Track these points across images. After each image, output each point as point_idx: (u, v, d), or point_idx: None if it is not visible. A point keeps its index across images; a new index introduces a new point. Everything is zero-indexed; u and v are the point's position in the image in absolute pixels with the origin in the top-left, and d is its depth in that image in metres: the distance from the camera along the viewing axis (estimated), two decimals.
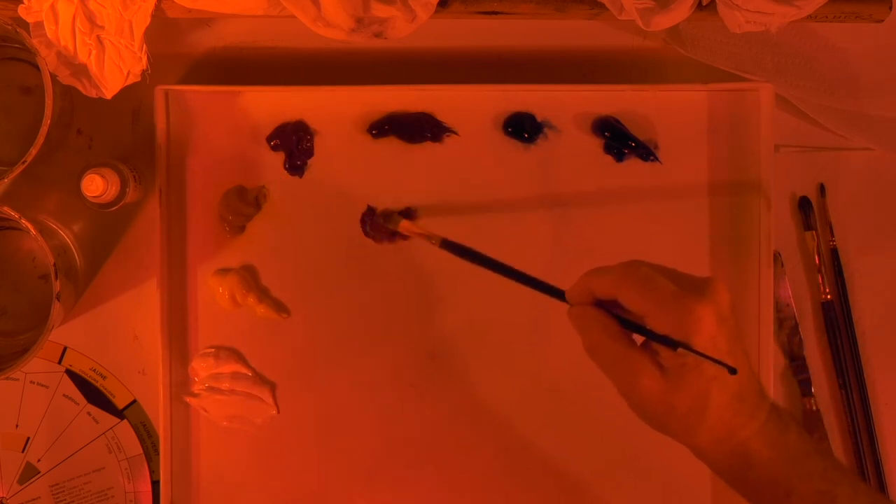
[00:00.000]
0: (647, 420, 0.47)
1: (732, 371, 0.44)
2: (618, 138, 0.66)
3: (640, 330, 0.46)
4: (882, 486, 0.68)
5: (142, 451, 0.68)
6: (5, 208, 0.59)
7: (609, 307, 0.48)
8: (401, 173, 0.66)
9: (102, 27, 0.59)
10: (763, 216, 0.65)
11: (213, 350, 0.66)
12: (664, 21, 0.58)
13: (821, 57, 0.68)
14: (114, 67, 0.60)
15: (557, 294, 0.51)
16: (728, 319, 0.46)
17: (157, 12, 0.60)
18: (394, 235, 0.66)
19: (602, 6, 0.60)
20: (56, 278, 0.58)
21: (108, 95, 0.61)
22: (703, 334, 0.44)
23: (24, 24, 0.59)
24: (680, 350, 0.44)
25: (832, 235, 0.69)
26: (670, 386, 0.45)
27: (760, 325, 0.65)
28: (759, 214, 0.66)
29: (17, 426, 0.67)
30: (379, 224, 0.65)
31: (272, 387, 0.67)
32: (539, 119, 0.66)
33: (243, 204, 0.66)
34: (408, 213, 0.66)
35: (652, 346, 0.46)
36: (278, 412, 0.67)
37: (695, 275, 0.48)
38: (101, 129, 0.68)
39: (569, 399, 0.67)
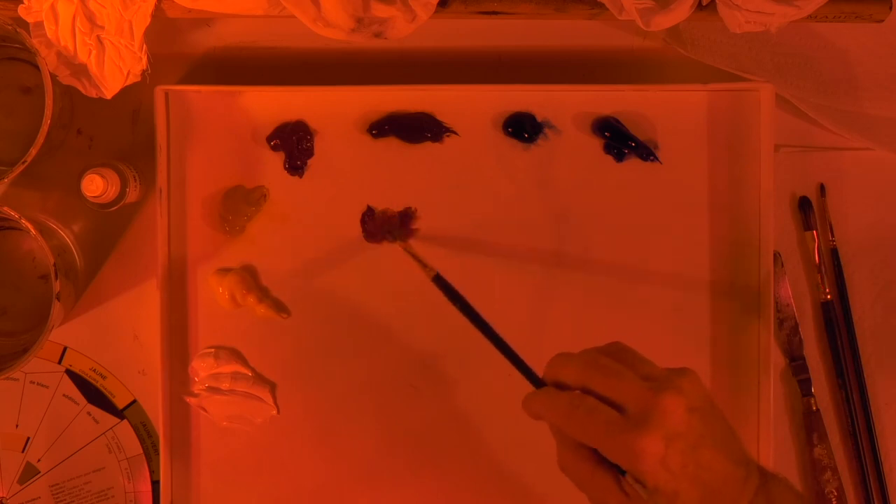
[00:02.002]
0: None
1: None
2: (618, 138, 0.66)
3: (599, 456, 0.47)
4: (882, 486, 0.68)
5: (142, 451, 0.68)
6: (5, 208, 0.59)
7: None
8: (401, 173, 0.66)
9: (102, 27, 0.59)
10: (763, 216, 0.65)
11: (213, 350, 0.66)
12: (664, 21, 0.58)
13: (821, 57, 0.68)
14: (114, 67, 0.60)
15: (535, 381, 0.52)
16: (681, 435, 0.45)
17: (157, 12, 0.60)
18: (394, 236, 0.66)
19: (602, 6, 0.60)
20: (56, 278, 0.58)
21: (108, 95, 0.61)
22: (648, 462, 0.44)
23: (24, 24, 0.59)
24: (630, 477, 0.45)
25: (832, 235, 0.69)
26: None
27: (760, 325, 0.65)
28: (759, 214, 0.66)
29: (17, 426, 0.67)
30: (380, 224, 0.65)
31: (272, 387, 0.67)
32: (539, 119, 0.66)
33: (243, 204, 0.66)
34: (407, 215, 0.66)
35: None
36: (278, 412, 0.67)
37: (659, 374, 0.47)
38: (101, 129, 0.68)
39: None
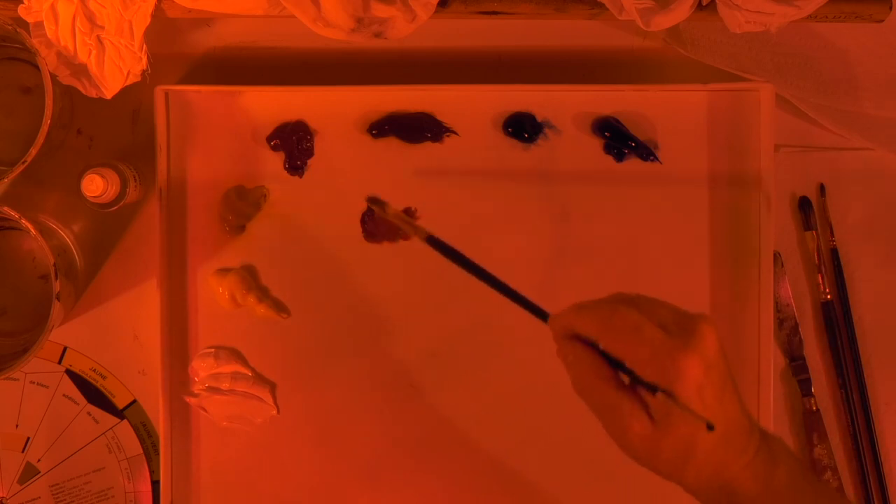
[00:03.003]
0: (634, 458, 0.47)
1: (710, 427, 0.43)
2: (618, 138, 0.66)
3: (627, 371, 0.46)
4: (882, 486, 0.68)
5: (142, 451, 0.68)
6: (5, 208, 0.59)
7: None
8: (401, 173, 0.66)
9: (102, 27, 0.59)
10: (763, 216, 0.65)
11: (213, 350, 0.66)
12: (664, 21, 0.58)
13: (821, 57, 0.68)
14: (114, 67, 0.60)
15: (540, 314, 0.50)
16: (715, 366, 0.45)
17: (157, 12, 0.60)
18: (395, 235, 0.66)
19: (602, 6, 0.60)
20: (56, 278, 0.58)
21: (108, 95, 0.61)
22: (689, 385, 0.44)
23: (24, 24, 0.59)
24: (662, 396, 0.44)
25: (832, 235, 0.69)
26: (657, 432, 0.45)
27: (760, 325, 0.65)
28: (759, 214, 0.66)
29: (17, 426, 0.67)
30: (380, 228, 0.65)
31: (272, 387, 0.67)
32: (539, 119, 0.66)
33: (243, 204, 0.66)
34: (407, 215, 0.66)
35: (639, 389, 0.46)
36: (278, 412, 0.67)
37: (684, 312, 0.47)
38: (101, 129, 0.68)
39: (569, 398, 0.66)
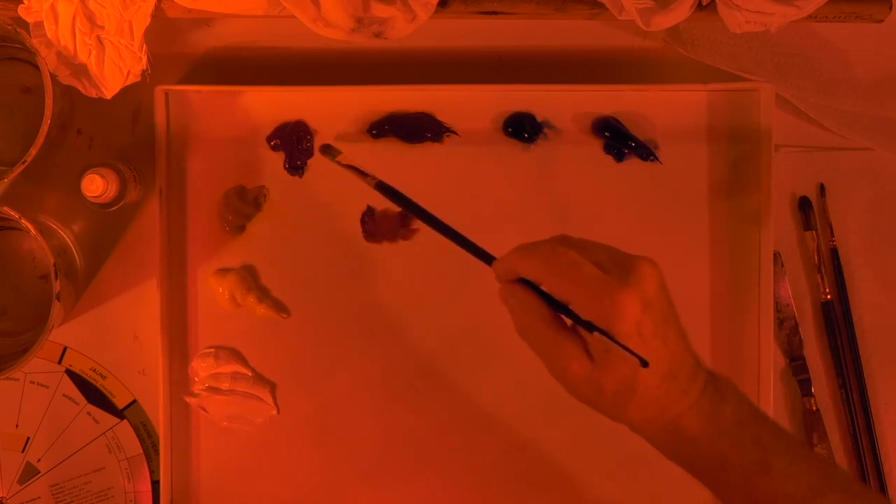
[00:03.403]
0: (578, 398, 0.47)
1: (644, 364, 0.43)
2: (618, 138, 0.66)
3: (566, 312, 0.46)
4: (882, 487, 0.68)
5: (142, 451, 0.68)
6: (5, 208, 0.59)
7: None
8: (401, 173, 0.66)
9: (102, 27, 0.59)
10: (763, 216, 0.65)
11: (213, 350, 0.66)
12: (664, 21, 0.58)
13: (821, 57, 0.68)
14: (114, 67, 0.60)
15: (486, 258, 0.50)
16: (655, 303, 0.45)
17: (157, 12, 0.60)
18: (395, 235, 0.66)
19: (602, 6, 0.60)
20: (56, 278, 0.58)
21: (108, 95, 0.61)
22: (626, 322, 0.44)
23: (24, 24, 0.59)
24: (599, 335, 0.44)
25: (832, 235, 0.69)
26: (597, 370, 0.45)
27: (760, 325, 0.65)
28: (759, 214, 0.66)
29: (17, 426, 0.67)
30: (380, 228, 0.65)
31: (272, 387, 0.67)
32: (539, 119, 0.66)
33: (243, 204, 0.66)
34: (407, 215, 0.66)
35: (579, 329, 0.46)
36: (278, 412, 0.67)
37: (625, 253, 0.47)
38: (101, 129, 0.68)
39: (569, 398, 0.66)
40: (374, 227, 0.66)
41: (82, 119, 0.67)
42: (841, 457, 0.68)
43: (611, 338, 0.44)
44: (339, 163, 0.60)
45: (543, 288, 0.46)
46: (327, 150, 0.62)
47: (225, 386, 0.66)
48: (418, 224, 0.66)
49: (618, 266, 0.45)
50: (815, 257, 0.68)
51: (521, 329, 0.48)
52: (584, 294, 0.44)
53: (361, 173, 0.57)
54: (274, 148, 0.66)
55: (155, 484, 0.67)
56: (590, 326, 0.44)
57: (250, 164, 0.66)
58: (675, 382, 0.46)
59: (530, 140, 0.66)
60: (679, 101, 0.66)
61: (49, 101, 0.58)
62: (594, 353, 0.45)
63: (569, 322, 0.46)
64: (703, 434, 0.46)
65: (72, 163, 0.66)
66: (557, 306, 0.46)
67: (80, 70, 0.60)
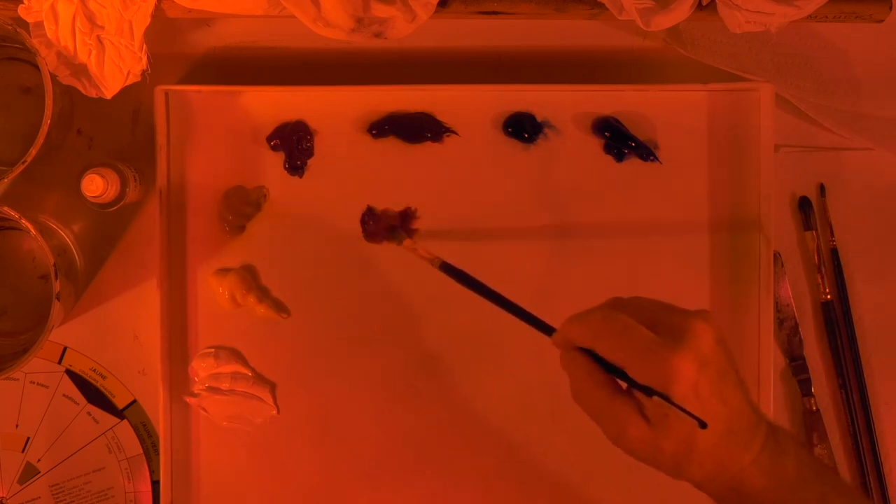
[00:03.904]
0: (636, 459, 0.47)
1: (703, 425, 0.43)
2: (618, 138, 0.66)
3: (622, 376, 0.46)
4: (882, 486, 0.68)
5: (142, 451, 0.68)
6: (5, 208, 0.59)
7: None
8: (401, 173, 0.66)
9: (102, 27, 0.59)
10: (763, 216, 0.65)
11: (213, 350, 0.66)
12: (664, 21, 0.58)
13: (821, 57, 0.68)
14: (114, 67, 0.60)
15: (546, 330, 0.51)
16: (711, 361, 0.45)
17: (157, 12, 0.60)
18: (392, 237, 0.66)
19: (602, 6, 0.60)
20: (56, 278, 0.58)
21: (108, 95, 0.61)
22: (682, 384, 0.44)
23: (24, 24, 0.59)
24: (657, 399, 0.44)
25: (832, 235, 0.69)
26: (655, 433, 0.45)
27: (760, 325, 0.65)
28: (759, 214, 0.66)
29: (17, 426, 0.67)
30: (380, 228, 0.65)
31: (272, 387, 0.67)
32: (539, 119, 0.66)
33: (243, 204, 0.66)
34: (407, 215, 0.66)
35: (635, 392, 0.46)
36: (278, 412, 0.67)
37: (680, 310, 0.47)
38: (101, 129, 0.68)
39: (568, 399, 0.66)
40: (374, 227, 0.66)
41: (82, 119, 0.67)
42: (841, 457, 0.68)
43: (669, 400, 0.44)
44: (406, 247, 0.62)
45: (597, 352, 0.47)
46: (394, 234, 0.65)
47: (225, 386, 0.66)
48: (418, 224, 0.66)
49: (672, 326, 0.46)
50: (815, 257, 0.68)
51: (578, 395, 0.48)
52: (639, 359, 0.45)
53: (428, 258, 0.59)
54: (274, 148, 0.66)
55: (155, 484, 0.67)
56: (647, 391, 0.44)
57: (250, 164, 0.66)
58: (734, 438, 0.46)
59: (530, 140, 0.66)
60: (679, 101, 0.66)
61: (49, 101, 0.58)
62: (651, 415, 0.45)
63: (624, 385, 0.47)
64: (766, 489, 0.46)
65: (72, 163, 0.66)
66: (614, 371, 0.47)
67: (80, 70, 0.60)
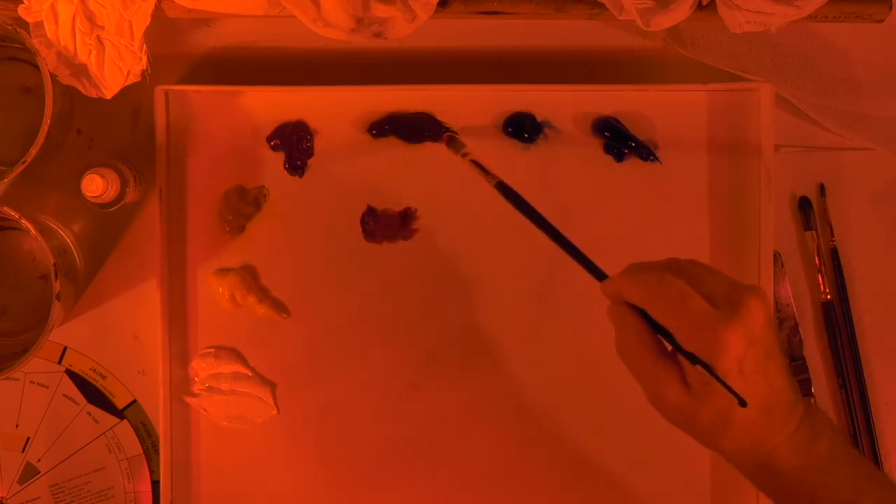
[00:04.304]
0: (671, 423, 0.47)
1: (743, 403, 0.43)
2: (618, 138, 0.66)
3: (669, 339, 0.46)
4: None
5: (142, 451, 0.68)
6: (5, 208, 0.59)
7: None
8: (401, 173, 0.66)
9: (102, 27, 0.59)
10: (763, 216, 0.65)
11: (213, 350, 0.66)
12: (664, 21, 0.58)
13: (821, 57, 0.68)
14: (114, 67, 0.60)
15: (598, 274, 0.50)
16: (759, 339, 0.45)
17: (157, 12, 0.60)
18: (395, 236, 0.66)
19: (602, 6, 0.60)
20: (56, 278, 0.58)
21: (108, 95, 0.61)
22: (729, 358, 0.44)
23: (24, 24, 0.59)
24: (700, 368, 0.44)
25: (832, 235, 0.69)
26: (694, 401, 0.45)
27: None
28: (759, 214, 0.66)
29: (17, 426, 0.67)
30: (381, 225, 0.65)
31: (272, 387, 0.67)
32: (539, 119, 0.66)
33: (243, 204, 0.66)
34: (407, 215, 0.66)
35: (680, 357, 0.46)
36: (278, 412, 0.67)
37: (735, 282, 0.46)
38: (101, 129, 0.68)
39: (568, 399, 0.67)
40: (374, 227, 0.66)
41: (82, 119, 0.67)
42: None
43: (713, 373, 0.44)
44: (463, 156, 0.59)
45: (649, 312, 0.46)
46: (452, 143, 0.62)
47: (225, 386, 0.66)
48: (418, 224, 0.66)
49: (727, 299, 0.45)
50: (815, 257, 0.68)
51: (622, 350, 0.48)
52: (689, 327, 0.44)
53: (484, 171, 0.57)
54: (274, 148, 0.66)
55: (155, 484, 0.67)
56: (692, 358, 0.44)
57: (250, 164, 0.66)
58: (771, 417, 0.46)
59: (530, 140, 0.66)
60: (679, 101, 0.66)
61: (49, 101, 0.58)
62: (692, 383, 0.45)
63: (669, 347, 0.46)
64: (796, 469, 0.46)
65: (72, 163, 0.66)
66: (662, 332, 0.46)
67: (80, 70, 0.60)
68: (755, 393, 0.45)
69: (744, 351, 0.44)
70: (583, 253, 0.51)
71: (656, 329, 0.47)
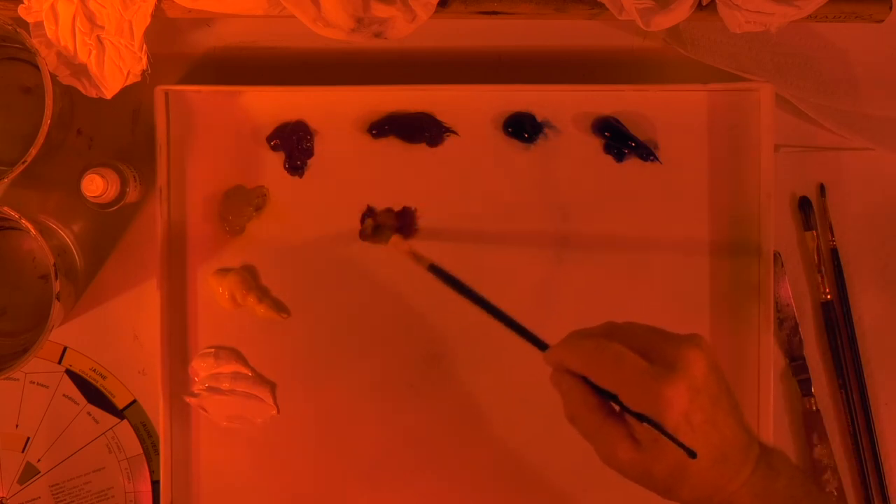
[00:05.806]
0: (629, 480, 0.48)
1: (692, 455, 0.44)
2: (618, 138, 0.66)
3: (616, 401, 0.47)
4: (882, 486, 0.68)
5: (142, 451, 0.68)
6: (5, 208, 0.59)
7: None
8: (401, 173, 0.66)
9: (102, 27, 0.59)
10: (763, 216, 0.65)
11: (213, 350, 0.66)
12: (664, 21, 0.58)
13: (821, 57, 0.68)
14: (114, 67, 0.60)
15: (539, 345, 0.51)
16: (703, 388, 0.45)
17: (157, 12, 0.60)
18: (379, 238, 0.66)
19: (602, 6, 0.60)
20: (56, 278, 0.58)
21: (108, 95, 0.61)
22: (675, 412, 0.44)
23: (24, 24, 0.59)
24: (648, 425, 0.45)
25: (832, 235, 0.69)
26: (646, 457, 0.46)
27: (760, 325, 0.65)
28: (759, 214, 0.66)
29: (17, 426, 0.67)
30: (367, 234, 0.66)
31: (272, 387, 0.67)
32: (539, 119, 0.66)
33: (243, 204, 0.66)
34: (407, 214, 0.66)
35: (627, 417, 0.47)
36: (278, 412, 0.67)
37: (673, 336, 0.47)
38: (101, 129, 0.68)
39: None
40: (363, 235, 0.66)
41: (82, 119, 0.67)
42: (841, 457, 0.68)
43: (660, 429, 0.44)
44: (395, 248, 0.62)
45: (590, 379, 0.47)
46: (380, 232, 0.64)
47: (225, 386, 0.66)
48: (418, 224, 0.66)
49: (663, 354, 0.46)
50: (815, 257, 0.68)
51: (570, 415, 0.49)
52: (631, 387, 0.45)
53: (415, 257, 0.59)
54: (274, 148, 0.66)
55: (155, 484, 0.67)
56: (640, 417, 0.45)
57: (250, 164, 0.66)
58: (726, 464, 0.46)
59: (530, 140, 0.66)
60: (679, 101, 0.66)
61: (49, 101, 0.58)
62: (642, 440, 0.46)
63: (617, 407, 0.47)
64: None
65: (72, 163, 0.66)
66: (607, 395, 0.47)
67: (80, 70, 0.60)
68: (707, 443, 0.45)
69: (688, 403, 0.44)
70: (522, 326, 0.52)
71: (601, 393, 0.47)
